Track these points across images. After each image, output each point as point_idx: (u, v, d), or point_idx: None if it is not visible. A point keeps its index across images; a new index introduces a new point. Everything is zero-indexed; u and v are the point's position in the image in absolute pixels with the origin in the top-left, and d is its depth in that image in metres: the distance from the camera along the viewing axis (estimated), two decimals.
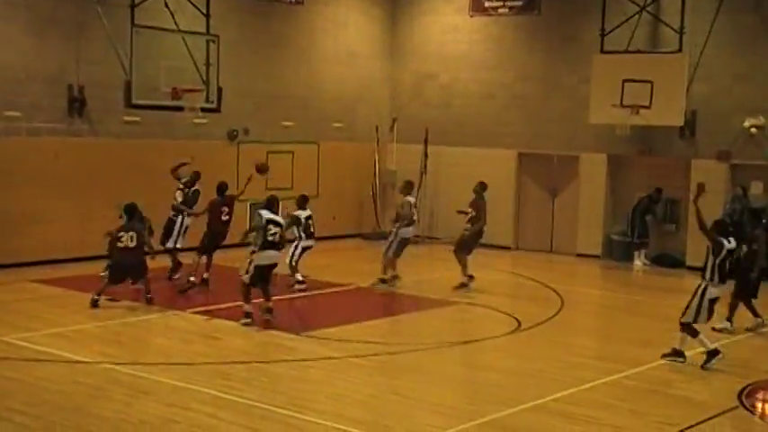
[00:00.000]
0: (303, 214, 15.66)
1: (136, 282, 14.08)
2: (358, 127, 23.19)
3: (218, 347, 11.92)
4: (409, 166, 23.00)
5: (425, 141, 22.77)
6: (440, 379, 10.98)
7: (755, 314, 13.88)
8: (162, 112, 18.08)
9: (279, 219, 13.32)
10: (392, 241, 16.11)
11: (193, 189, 16.21)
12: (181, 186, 16.15)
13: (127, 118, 18.10)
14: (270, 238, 12.92)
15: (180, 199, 16.05)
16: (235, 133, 20.29)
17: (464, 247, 16.22)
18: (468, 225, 16.20)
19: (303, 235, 15.66)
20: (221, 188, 15.64)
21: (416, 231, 17.10)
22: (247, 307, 12.87)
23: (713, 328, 12.99)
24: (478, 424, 9.03)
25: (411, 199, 16.42)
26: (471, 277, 16.14)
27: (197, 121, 18.64)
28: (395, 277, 16.22)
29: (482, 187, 16.50)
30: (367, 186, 23.08)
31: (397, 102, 23.85)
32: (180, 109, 17.79)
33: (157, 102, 17.42)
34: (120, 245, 13.84)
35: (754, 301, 13.90)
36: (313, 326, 13.23)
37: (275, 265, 13.24)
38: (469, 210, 16.33)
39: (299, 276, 15.57)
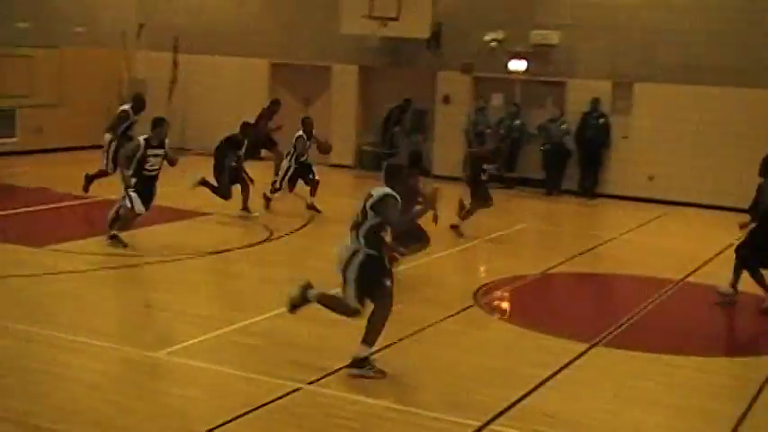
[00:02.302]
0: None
1: None
2: (102, 32, 22.00)
3: None
4: (159, 75, 22.28)
5: (175, 49, 22.08)
6: (192, 289, 10.90)
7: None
8: None
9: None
10: None
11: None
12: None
13: None
14: None
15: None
16: None
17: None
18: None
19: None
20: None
21: None
22: None
23: (717, 291, 11.35)
24: (232, 330, 9.09)
25: None
26: None
27: None
28: None
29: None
30: (114, 95, 22.10)
31: (144, 6, 22.85)
32: None
33: None
34: None
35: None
36: (55, 239, 12.64)
37: None
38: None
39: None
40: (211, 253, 12.48)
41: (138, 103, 15.57)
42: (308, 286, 8.33)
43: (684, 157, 18.94)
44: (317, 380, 7.81)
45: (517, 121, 19.83)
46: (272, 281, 11.33)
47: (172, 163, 12.60)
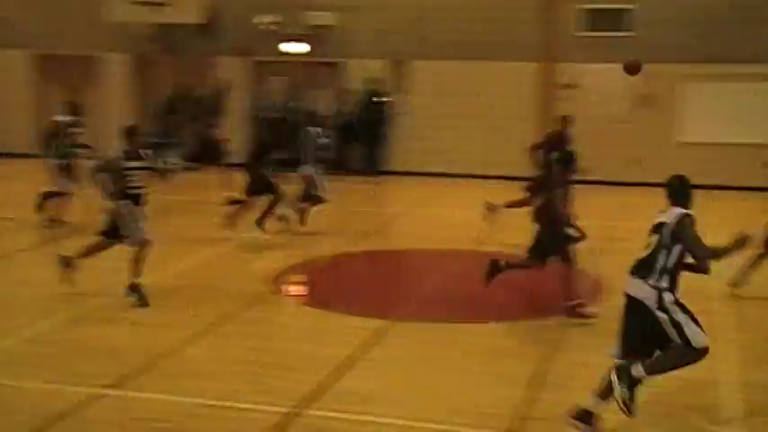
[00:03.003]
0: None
1: None
2: None
3: None
4: None
5: None
6: None
7: None
8: None
9: None
10: None
11: None
12: None
13: None
14: None
15: None
16: None
17: None
18: None
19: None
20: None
21: None
22: None
23: None
24: (20, 340, 8.53)
25: None
26: None
27: None
28: None
29: None
30: None
31: None
32: None
33: None
34: None
35: None
36: None
37: None
38: None
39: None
40: None
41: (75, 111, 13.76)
42: (626, 367, 6.47)
43: (461, 129, 19.63)
44: (120, 384, 7.46)
45: (299, 103, 19.82)
46: (52, 284, 10.70)
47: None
